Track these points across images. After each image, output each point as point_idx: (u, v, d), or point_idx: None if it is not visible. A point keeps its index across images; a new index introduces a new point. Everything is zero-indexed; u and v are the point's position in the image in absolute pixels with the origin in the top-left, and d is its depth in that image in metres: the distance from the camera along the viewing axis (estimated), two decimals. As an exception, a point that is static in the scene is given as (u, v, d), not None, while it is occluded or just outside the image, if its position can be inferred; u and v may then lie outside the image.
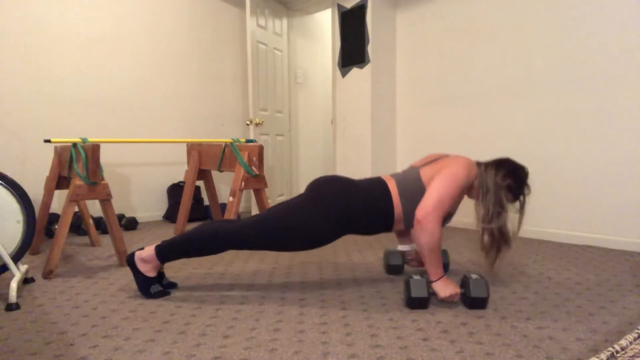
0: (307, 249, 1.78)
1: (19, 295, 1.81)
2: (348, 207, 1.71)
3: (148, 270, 1.80)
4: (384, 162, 3.72)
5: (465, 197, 1.87)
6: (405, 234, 2.12)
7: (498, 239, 1.70)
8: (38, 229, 2.61)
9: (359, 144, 3.70)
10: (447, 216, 1.79)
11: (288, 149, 4.46)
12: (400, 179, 1.80)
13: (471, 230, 3.17)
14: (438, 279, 1.65)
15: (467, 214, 1.81)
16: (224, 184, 4.29)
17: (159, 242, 1.82)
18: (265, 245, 1.74)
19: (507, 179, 1.72)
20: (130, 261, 1.79)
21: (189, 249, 1.77)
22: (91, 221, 2.83)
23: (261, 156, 2.68)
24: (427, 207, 1.63)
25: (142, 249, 1.81)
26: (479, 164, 1.79)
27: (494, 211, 1.67)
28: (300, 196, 1.79)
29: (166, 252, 1.78)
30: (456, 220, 3.37)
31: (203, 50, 4.11)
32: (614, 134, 2.56)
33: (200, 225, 1.81)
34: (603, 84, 2.59)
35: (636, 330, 1.19)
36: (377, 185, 1.78)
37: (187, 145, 3.31)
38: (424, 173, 1.77)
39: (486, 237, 1.70)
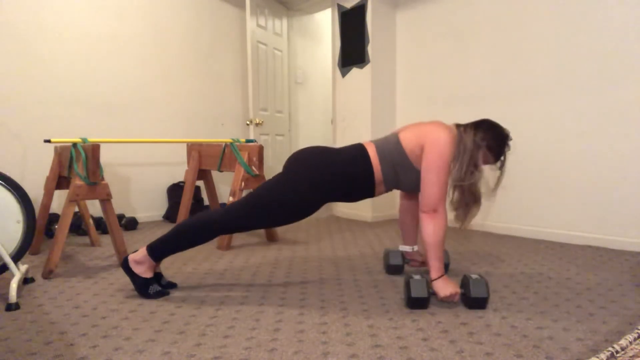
0: (293, 222, 1.80)
1: (19, 295, 1.81)
2: (325, 177, 1.73)
3: (144, 272, 1.80)
4: (384, 162, 3.72)
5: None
6: (407, 230, 2.11)
7: (467, 197, 1.71)
8: (38, 229, 2.61)
9: (359, 144, 3.69)
10: None
11: (288, 149, 4.46)
12: (380, 143, 1.82)
13: (471, 230, 3.17)
14: (439, 277, 1.65)
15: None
16: (224, 184, 4.29)
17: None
18: (252, 224, 1.75)
19: (486, 139, 1.73)
20: (125, 265, 1.80)
21: (181, 241, 1.78)
22: (91, 221, 2.83)
23: (261, 156, 2.68)
24: (432, 201, 1.64)
25: (135, 252, 1.82)
26: (458, 126, 1.80)
27: (467, 169, 1.69)
28: (281, 172, 1.81)
29: (158, 249, 1.78)
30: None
31: (203, 50, 4.11)
32: (614, 134, 2.56)
33: (187, 219, 1.82)
34: (603, 85, 2.59)
35: (636, 330, 1.18)
36: (355, 151, 1.80)
37: (187, 145, 3.31)
38: (403, 136, 1.78)
39: (456, 194, 1.72)
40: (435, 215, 1.64)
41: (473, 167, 1.70)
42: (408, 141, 1.76)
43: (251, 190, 2.75)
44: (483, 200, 1.77)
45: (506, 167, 1.83)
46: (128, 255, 1.81)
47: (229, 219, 1.74)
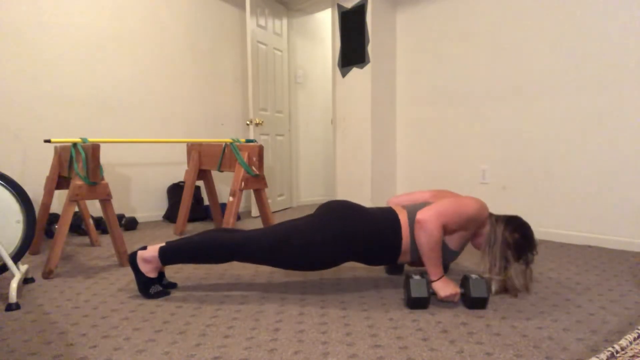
0: (307, 270, 1.78)
1: (19, 295, 1.81)
2: (352, 234, 1.71)
3: (149, 271, 1.80)
4: (384, 162, 3.72)
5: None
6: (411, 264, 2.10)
7: (510, 290, 1.74)
8: (38, 229, 2.61)
9: (359, 144, 3.70)
10: (452, 254, 1.79)
11: (288, 149, 4.46)
12: (412, 211, 1.80)
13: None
14: (438, 279, 1.65)
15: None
16: (224, 184, 4.29)
17: (161, 243, 1.82)
18: (268, 261, 1.75)
19: (515, 235, 1.73)
20: (132, 261, 1.79)
21: (194, 256, 1.78)
22: (91, 221, 2.83)
23: (261, 156, 2.68)
24: (430, 211, 1.64)
25: (144, 248, 1.81)
26: (490, 215, 1.80)
27: (501, 264, 1.69)
28: (308, 216, 1.80)
29: (170, 256, 1.78)
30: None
31: (203, 50, 4.11)
32: (614, 134, 2.56)
33: (206, 233, 1.81)
34: (603, 85, 2.59)
35: (636, 330, 1.18)
36: (387, 215, 1.78)
37: (187, 145, 3.31)
38: None
39: (495, 287, 1.73)
40: (425, 226, 1.62)
41: (505, 262, 1.70)
42: None
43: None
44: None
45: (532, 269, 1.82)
46: (136, 250, 1.81)
47: (248, 250, 1.73)
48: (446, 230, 1.69)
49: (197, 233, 1.84)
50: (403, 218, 1.77)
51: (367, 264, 1.84)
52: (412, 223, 1.75)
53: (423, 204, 1.82)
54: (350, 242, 1.71)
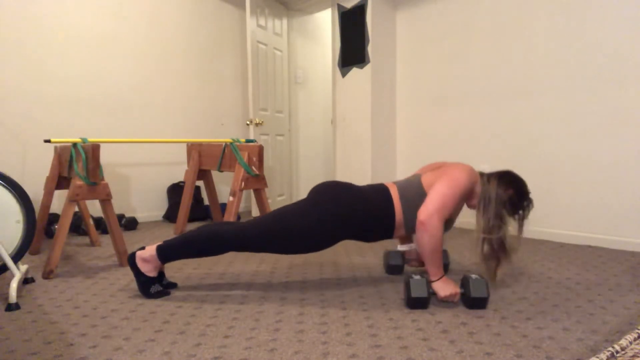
0: (306, 252, 1.79)
1: (19, 295, 1.81)
2: (347, 212, 1.72)
3: (149, 271, 1.80)
4: (384, 162, 3.72)
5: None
6: (405, 237, 2.11)
7: (497, 250, 1.69)
8: (38, 229, 2.61)
9: (359, 144, 3.70)
10: (449, 222, 1.79)
11: (288, 149, 4.46)
12: (402, 185, 1.82)
13: (472, 230, 3.17)
14: (438, 279, 1.65)
15: (468, 214, 1.82)
16: (224, 184, 4.29)
17: (159, 242, 1.82)
18: (264, 247, 1.75)
19: (509, 191, 1.72)
20: (131, 261, 1.79)
21: (191, 249, 1.77)
22: (91, 221, 2.83)
23: (261, 156, 2.68)
24: (430, 209, 1.64)
25: (142, 248, 1.81)
26: (481, 174, 1.80)
27: (495, 223, 1.68)
28: (301, 200, 1.81)
29: (168, 253, 1.78)
30: (457, 221, 3.36)
31: (203, 50, 4.11)
32: (614, 134, 2.56)
33: (202, 227, 1.81)
34: (603, 85, 2.59)
35: (636, 330, 1.18)
36: (379, 191, 1.80)
37: (187, 145, 3.31)
38: (425, 179, 1.78)
39: (486, 247, 1.70)
40: (429, 226, 1.62)
41: (499, 221, 1.69)
42: (429, 183, 1.76)
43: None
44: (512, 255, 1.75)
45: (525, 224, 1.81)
46: (135, 251, 1.81)
47: (243, 239, 1.73)
48: (446, 217, 1.69)
49: (193, 229, 1.84)
50: (394, 192, 1.79)
51: (365, 241, 1.85)
52: (404, 198, 1.77)
53: (412, 177, 1.85)
54: (346, 221, 1.72)
